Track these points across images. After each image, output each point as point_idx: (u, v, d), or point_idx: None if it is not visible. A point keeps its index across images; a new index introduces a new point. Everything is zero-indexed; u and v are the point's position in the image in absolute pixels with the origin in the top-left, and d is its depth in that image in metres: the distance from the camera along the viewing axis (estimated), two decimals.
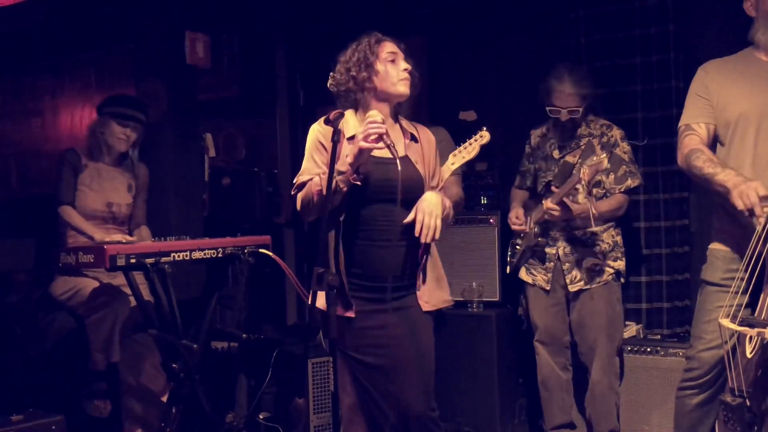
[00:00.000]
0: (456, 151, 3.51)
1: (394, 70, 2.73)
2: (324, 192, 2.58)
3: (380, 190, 2.68)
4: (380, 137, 2.56)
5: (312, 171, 2.74)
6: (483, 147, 3.37)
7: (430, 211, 2.61)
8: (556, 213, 3.57)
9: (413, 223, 2.66)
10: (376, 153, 2.65)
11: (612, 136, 3.74)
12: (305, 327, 4.41)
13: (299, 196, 2.72)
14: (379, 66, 2.73)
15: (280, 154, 5.64)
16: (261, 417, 4.16)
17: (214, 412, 3.50)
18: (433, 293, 2.82)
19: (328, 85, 2.83)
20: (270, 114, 5.67)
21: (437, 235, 2.63)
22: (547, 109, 3.74)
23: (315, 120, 5.28)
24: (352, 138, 2.70)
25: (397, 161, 2.64)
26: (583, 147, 3.74)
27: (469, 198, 4.44)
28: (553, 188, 3.64)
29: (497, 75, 4.71)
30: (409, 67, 2.73)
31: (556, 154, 3.83)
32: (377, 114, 2.59)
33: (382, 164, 2.69)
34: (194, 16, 4.89)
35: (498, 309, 4.18)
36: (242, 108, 5.79)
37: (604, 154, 3.47)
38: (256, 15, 5.29)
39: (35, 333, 4.21)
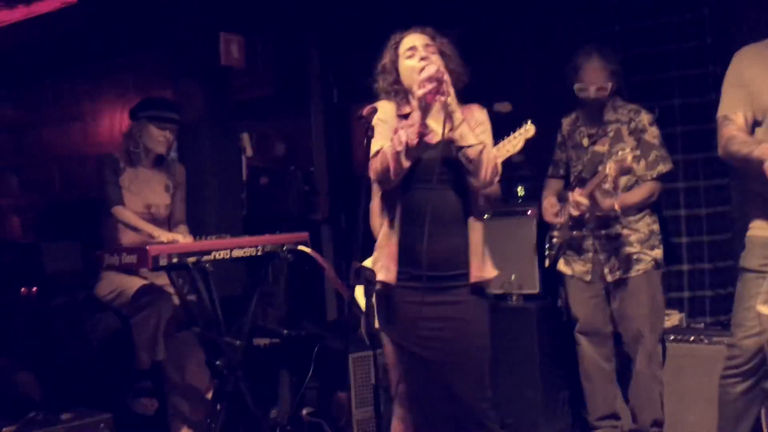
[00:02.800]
0: (500, 144, 3.50)
1: (410, 65, 2.72)
2: (396, 149, 2.58)
3: (423, 176, 2.68)
4: (436, 78, 2.52)
5: (381, 145, 2.73)
6: (527, 141, 3.36)
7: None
8: (583, 207, 3.54)
9: (459, 207, 2.69)
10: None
11: (640, 121, 3.69)
12: (345, 322, 4.44)
13: (374, 164, 2.70)
14: (401, 65, 2.77)
15: (315, 152, 5.68)
16: (304, 412, 4.20)
17: (258, 408, 3.54)
18: (481, 266, 2.77)
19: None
20: (304, 112, 5.71)
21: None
22: (575, 86, 3.71)
23: (349, 117, 5.34)
24: (406, 116, 2.72)
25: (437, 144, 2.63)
26: (611, 134, 3.71)
27: (506, 190, 4.43)
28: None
29: (532, 65, 4.68)
30: (424, 54, 2.71)
31: (585, 142, 3.80)
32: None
33: (424, 150, 2.69)
34: (228, 18, 4.95)
35: (538, 301, 4.16)
36: (277, 107, 5.83)
37: (629, 149, 3.44)
38: (288, 14, 5.33)
39: (82, 333, 4.30)
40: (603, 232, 3.73)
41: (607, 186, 3.47)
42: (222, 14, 4.91)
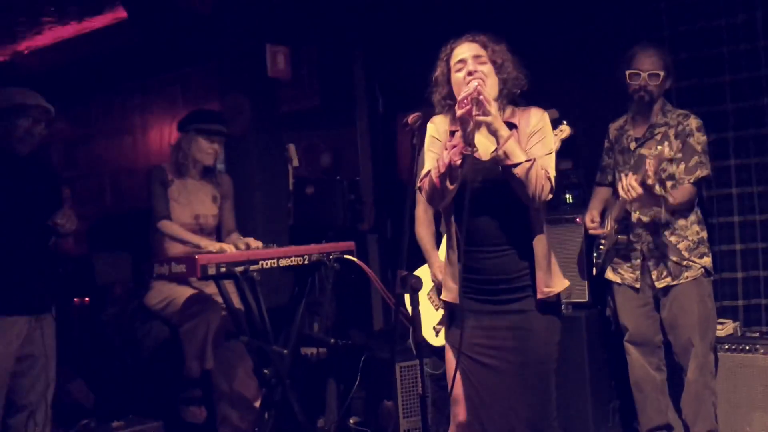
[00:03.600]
0: None
1: (459, 78, 2.66)
2: (440, 171, 2.55)
3: (477, 195, 2.61)
4: (474, 99, 2.47)
5: (432, 164, 2.71)
6: (564, 142, 3.31)
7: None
8: (633, 193, 3.41)
9: (514, 226, 2.64)
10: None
11: (688, 125, 3.63)
12: (392, 331, 4.43)
13: (424, 185, 2.68)
14: (453, 77, 2.71)
15: (361, 161, 5.69)
16: (351, 422, 4.20)
17: (306, 416, 3.54)
18: (548, 280, 2.69)
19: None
20: (350, 122, 5.73)
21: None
22: (627, 72, 3.65)
23: (395, 127, 5.32)
24: (454, 133, 2.69)
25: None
26: (658, 138, 3.65)
27: (554, 197, 4.36)
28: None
29: (579, 71, 4.63)
30: (472, 68, 2.64)
31: (632, 146, 3.74)
32: (473, 83, 2.53)
33: (475, 169, 2.64)
34: (274, 30, 5.00)
35: (587, 310, 4.10)
36: (323, 117, 5.86)
37: (667, 143, 3.37)
38: (333, 25, 5.36)
39: (133, 342, 4.36)
40: (651, 238, 3.66)
41: (650, 182, 3.39)
42: (268, 26, 4.96)
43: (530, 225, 2.67)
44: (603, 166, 3.95)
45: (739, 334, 3.91)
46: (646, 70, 3.62)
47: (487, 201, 2.62)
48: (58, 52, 6.47)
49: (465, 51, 2.68)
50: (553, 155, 2.72)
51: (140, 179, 6.39)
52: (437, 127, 2.75)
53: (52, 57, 6.53)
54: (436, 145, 2.72)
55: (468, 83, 2.54)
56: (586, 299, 4.13)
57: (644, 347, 3.77)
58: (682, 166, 3.60)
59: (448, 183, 2.57)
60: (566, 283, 2.76)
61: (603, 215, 3.86)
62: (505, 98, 2.68)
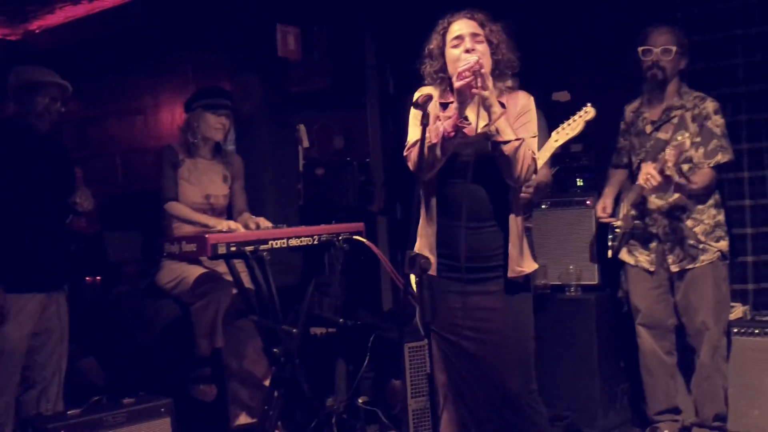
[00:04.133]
0: (559, 128, 3.46)
1: (455, 54, 2.67)
2: (432, 141, 2.57)
3: (460, 170, 2.65)
4: (473, 72, 2.50)
5: (418, 135, 2.72)
6: (587, 124, 3.30)
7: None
8: (654, 182, 3.42)
9: (496, 203, 2.67)
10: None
11: (704, 108, 3.60)
12: (400, 312, 4.45)
13: (411, 154, 2.70)
14: (447, 52, 2.72)
15: (371, 142, 5.68)
16: (360, 401, 4.22)
17: (315, 396, 3.57)
18: (520, 260, 2.74)
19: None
20: (361, 103, 5.71)
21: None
22: (640, 50, 3.64)
23: (405, 107, 5.28)
24: (446, 106, 2.71)
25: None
26: (675, 121, 3.62)
27: (565, 180, 4.37)
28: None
29: (590, 53, 4.60)
30: (470, 46, 2.65)
31: (648, 129, 3.72)
32: (472, 57, 2.55)
33: (463, 143, 2.66)
34: (284, 10, 4.98)
35: (597, 292, 4.10)
36: (333, 98, 5.85)
37: (688, 134, 3.35)
38: (344, 5, 5.34)
39: (144, 321, 4.40)
40: (667, 221, 3.65)
41: (668, 172, 3.38)
42: (279, 6, 4.94)
43: (509, 204, 2.71)
44: (618, 149, 3.92)
45: (749, 317, 3.90)
46: (659, 45, 3.60)
47: (472, 175, 2.63)
48: (69, 31, 6.47)
49: (463, 27, 2.70)
50: (536, 139, 2.76)
51: (151, 159, 6.41)
52: (432, 96, 2.73)
53: (63, 36, 6.53)
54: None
55: (466, 58, 2.56)
56: (596, 282, 4.13)
57: (656, 330, 3.77)
58: (701, 150, 3.57)
59: (438, 153, 2.59)
60: (535, 265, 2.82)
61: (617, 199, 3.84)
62: (496, 79, 2.68)
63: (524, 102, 2.76)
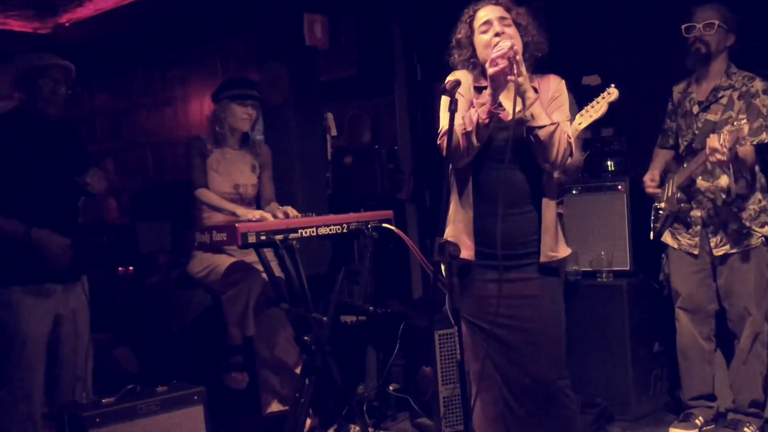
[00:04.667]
0: (583, 111, 3.42)
1: (486, 40, 2.65)
2: (467, 128, 2.55)
3: (496, 156, 2.63)
4: (507, 58, 2.47)
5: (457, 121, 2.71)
6: (611, 106, 3.25)
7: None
8: (719, 155, 3.29)
9: (532, 187, 2.65)
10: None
11: (753, 86, 3.52)
12: (430, 299, 4.44)
13: (444, 142, 2.64)
14: (476, 39, 2.70)
15: (399, 130, 5.67)
16: (391, 388, 4.23)
17: (345, 383, 3.57)
18: (554, 245, 2.72)
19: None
20: (388, 91, 5.70)
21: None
22: (683, 27, 3.58)
23: (433, 95, 5.25)
24: (481, 90, 2.69)
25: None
26: (724, 102, 3.55)
27: (596, 165, 4.32)
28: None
29: (621, 36, 4.53)
30: (499, 29, 2.63)
31: (695, 109, 3.64)
32: (505, 42, 2.52)
33: (498, 128, 2.64)
34: None
35: (629, 278, 4.05)
36: (361, 86, 5.85)
37: (745, 119, 3.28)
38: None
39: (176, 310, 4.43)
40: (712, 205, 3.59)
41: (720, 156, 3.30)
42: None
43: (544, 188, 2.70)
44: (665, 129, 3.84)
45: None
46: (701, 20, 3.54)
47: (507, 160, 2.60)
48: (98, 24, 6.53)
49: (490, 13, 2.68)
50: (569, 122, 2.73)
51: (181, 150, 6.46)
52: (461, 76, 2.71)
53: (93, 29, 6.59)
54: (459, 101, 2.67)
55: (497, 44, 2.53)
56: (628, 267, 4.08)
57: (696, 315, 3.72)
58: (746, 126, 3.50)
59: (474, 140, 2.57)
60: (569, 250, 2.80)
61: (663, 177, 3.79)
62: (526, 62, 2.64)
63: (556, 85, 2.74)
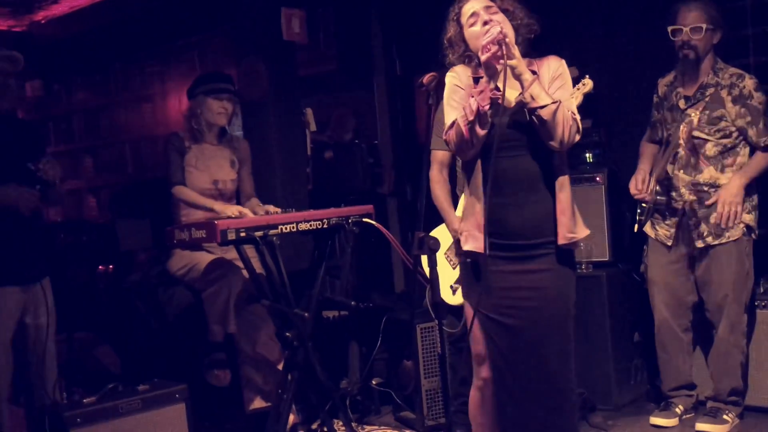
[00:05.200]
0: None
1: (476, 32, 2.65)
2: (469, 118, 2.55)
3: (501, 143, 2.58)
4: (497, 42, 2.48)
5: (455, 117, 2.70)
6: (588, 97, 3.27)
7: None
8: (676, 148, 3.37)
9: (543, 172, 2.62)
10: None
11: (744, 86, 3.50)
12: (411, 293, 4.45)
13: (450, 135, 2.67)
14: (466, 33, 2.70)
15: (379, 124, 5.66)
16: (374, 382, 4.24)
17: (328, 378, 3.58)
18: (571, 226, 2.66)
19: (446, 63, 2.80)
20: (368, 85, 5.69)
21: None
22: (669, 29, 3.55)
23: (412, 89, 5.26)
24: (478, 80, 2.68)
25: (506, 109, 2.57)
26: (708, 98, 3.55)
27: (574, 157, 4.32)
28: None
29: (601, 26, 4.53)
30: (487, 18, 2.63)
31: (682, 104, 3.63)
32: (495, 28, 2.52)
33: (500, 115, 2.61)
34: None
35: (608, 269, 4.07)
36: (341, 81, 5.83)
37: (698, 113, 3.30)
38: None
39: (157, 308, 4.42)
40: (692, 197, 3.61)
41: (681, 152, 3.34)
42: None
43: (555, 170, 2.65)
44: (653, 122, 3.84)
45: None
46: (688, 24, 3.51)
47: (513, 147, 2.60)
48: (74, 21, 6.47)
49: (475, 5, 2.68)
50: (575, 100, 2.70)
51: (161, 147, 6.41)
52: (459, 75, 2.72)
53: (68, 26, 6.54)
54: (458, 94, 2.69)
55: (488, 31, 2.54)
56: (608, 258, 4.11)
57: (673, 306, 3.75)
58: (754, 129, 3.51)
59: (478, 129, 2.56)
60: (587, 231, 2.73)
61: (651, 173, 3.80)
62: (520, 45, 2.64)
63: (556, 65, 2.72)
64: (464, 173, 2.77)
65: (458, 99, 2.69)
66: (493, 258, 2.64)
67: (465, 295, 2.78)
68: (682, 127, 3.29)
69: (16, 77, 3.41)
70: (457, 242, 2.46)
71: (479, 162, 2.68)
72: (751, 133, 3.52)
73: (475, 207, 2.68)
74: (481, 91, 2.55)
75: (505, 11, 2.68)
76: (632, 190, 3.75)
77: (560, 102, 2.56)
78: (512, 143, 2.59)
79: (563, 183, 2.66)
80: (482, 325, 2.72)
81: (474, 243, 2.64)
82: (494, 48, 2.49)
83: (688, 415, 3.78)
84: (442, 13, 2.83)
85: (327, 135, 5.65)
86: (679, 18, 3.54)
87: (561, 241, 2.63)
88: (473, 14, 2.67)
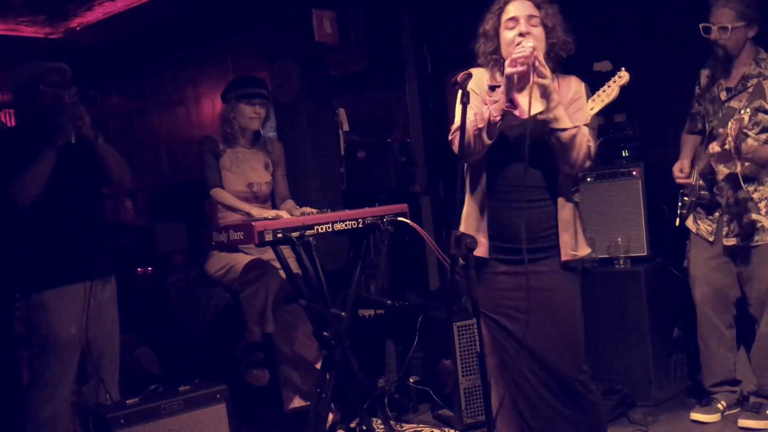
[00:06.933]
0: (595, 96, 3.41)
1: (509, 38, 2.64)
2: (478, 125, 2.56)
3: (513, 152, 2.63)
4: (526, 62, 2.47)
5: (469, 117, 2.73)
6: (623, 90, 3.24)
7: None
8: (719, 147, 3.33)
9: (548, 183, 2.65)
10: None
11: None
12: (448, 291, 4.45)
13: (455, 138, 2.67)
14: (501, 34, 2.68)
15: (411, 123, 5.67)
16: (411, 381, 4.25)
17: (366, 377, 3.59)
18: (573, 244, 2.72)
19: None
20: (399, 84, 5.70)
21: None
22: (701, 26, 3.51)
23: (443, 87, 5.26)
24: (494, 88, 2.68)
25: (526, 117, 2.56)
26: (750, 89, 3.50)
27: (610, 151, 4.31)
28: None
29: (634, 19, 4.50)
30: (524, 29, 2.61)
31: (723, 96, 3.59)
32: (528, 43, 2.52)
33: (512, 125, 2.64)
34: None
35: (647, 264, 4.04)
36: (372, 80, 5.84)
37: (749, 110, 3.26)
38: None
39: (195, 309, 4.47)
40: (731, 193, 3.56)
41: (727, 146, 3.30)
42: None
43: (560, 187, 2.69)
44: (692, 114, 3.80)
45: None
46: (717, 23, 3.47)
47: (522, 157, 2.58)
48: (109, 27, 6.56)
49: (519, 9, 2.65)
50: (587, 128, 2.71)
51: (195, 150, 6.47)
52: (476, 80, 2.71)
53: (103, 32, 6.62)
54: (473, 98, 2.68)
55: (520, 44, 2.53)
56: (645, 253, 4.07)
57: (715, 300, 3.71)
58: (746, 116, 3.47)
59: (485, 137, 2.57)
60: (588, 249, 2.80)
61: (693, 163, 3.76)
62: (550, 61, 2.63)
63: (576, 87, 2.73)
64: (469, 176, 2.78)
65: (472, 102, 2.68)
66: (496, 261, 2.69)
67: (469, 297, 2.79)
68: (731, 123, 3.23)
69: (68, 89, 3.44)
70: (456, 239, 2.46)
71: (483, 168, 2.69)
72: None
73: (476, 211, 2.71)
74: (496, 101, 2.55)
75: (545, 26, 2.66)
76: (676, 173, 3.73)
77: (579, 128, 2.58)
78: (523, 155, 2.57)
79: (565, 203, 2.69)
80: (489, 328, 2.75)
81: (478, 248, 2.64)
82: (522, 68, 2.48)
83: (731, 411, 3.74)
84: (472, 11, 2.82)
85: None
86: (711, 15, 3.50)
87: (564, 257, 2.69)
88: (514, 18, 2.65)
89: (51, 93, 3.37)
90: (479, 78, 2.73)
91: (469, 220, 2.76)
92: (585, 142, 2.60)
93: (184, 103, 6.92)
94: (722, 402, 3.72)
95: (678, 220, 3.79)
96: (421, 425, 4.07)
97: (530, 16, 2.64)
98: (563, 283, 2.71)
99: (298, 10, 4.89)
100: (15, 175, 3.24)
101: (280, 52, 5.00)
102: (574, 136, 2.56)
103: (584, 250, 2.76)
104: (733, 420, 3.65)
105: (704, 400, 3.77)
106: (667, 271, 4.07)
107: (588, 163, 2.65)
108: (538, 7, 2.66)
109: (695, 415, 3.71)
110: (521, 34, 2.60)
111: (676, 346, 4.11)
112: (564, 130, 2.56)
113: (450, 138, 2.70)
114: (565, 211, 2.70)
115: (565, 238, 2.68)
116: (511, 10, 2.66)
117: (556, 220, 2.69)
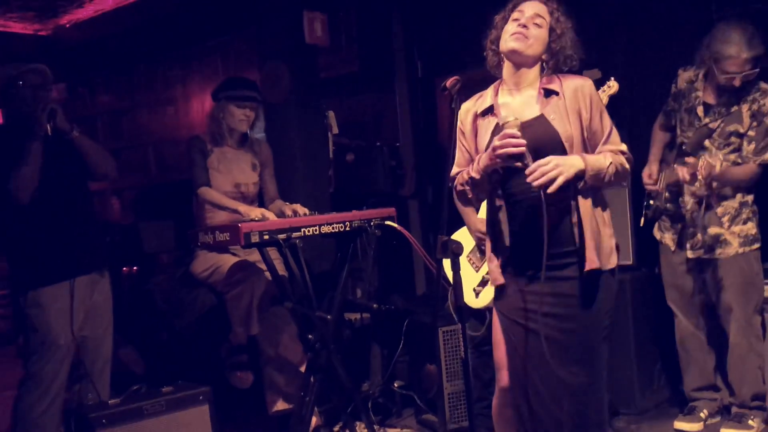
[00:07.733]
0: None
1: (509, 28, 2.59)
2: (469, 189, 2.61)
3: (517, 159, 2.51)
4: (514, 156, 2.44)
5: (460, 161, 2.72)
6: (612, 99, 3.25)
7: (555, 163, 2.41)
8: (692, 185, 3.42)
9: (568, 190, 2.50)
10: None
11: (764, 104, 3.44)
12: (434, 296, 4.45)
13: (457, 186, 2.69)
14: (505, 26, 2.63)
15: (401, 126, 5.66)
16: (396, 385, 4.24)
17: (350, 381, 3.59)
18: (598, 253, 2.55)
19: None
20: (389, 87, 5.69)
21: (548, 184, 2.40)
22: (722, 78, 3.42)
23: (434, 91, 5.25)
24: (485, 113, 2.65)
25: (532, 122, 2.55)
26: (733, 112, 3.49)
27: None
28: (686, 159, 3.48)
29: (622, 27, 4.51)
30: (525, 23, 2.55)
31: (700, 111, 3.58)
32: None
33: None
34: None
35: (632, 272, 4.05)
36: (362, 83, 5.83)
37: (721, 159, 3.31)
38: None
39: (180, 310, 4.45)
40: (696, 207, 3.59)
41: (697, 185, 3.36)
42: None
43: (582, 191, 2.54)
44: (667, 111, 3.79)
45: None
46: (741, 71, 3.37)
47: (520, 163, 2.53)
48: (98, 24, 6.54)
49: (528, 7, 2.61)
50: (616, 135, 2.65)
51: (183, 149, 6.45)
52: (461, 114, 2.67)
53: (93, 30, 6.60)
54: (462, 140, 2.70)
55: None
56: (631, 262, 4.08)
57: (684, 305, 3.76)
58: (753, 145, 3.47)
59: (486, 185, 2.59)
60: (614, 263, 2.61)
61: (661, 167, 3.78)
62: (549, 69, 2.61)
63: (588, 90, 2.61)
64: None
65: (462, 141, 2.70)
66: (520, 266, 2.63)
67: (455, 302, 2.75)
68: (702, 162, 3.26)
69: (48, 89, 3.45)
70: (443, 244, 2.45)
71: (499, 179, 2.61)
72: (749, 148, 3.48)
73: (496, 221, 2.65)
74: (491, 157, 2.50)
75: (551, 30, 2.60)
76: (645, 179, 3.76)
77: (612, 162, 2.51)
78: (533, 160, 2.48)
79: (584, 204, 2.55)
80: (504, 329, 2.70)
81: (493, 279, 2.68)
82: (503, 152, 2.44)
83: (712, 420, 3.76)
84: (463, 16, 2.82)
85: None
86: (729, 65, 3.38)
87: (586, 268, 2.53)
88: (520, 10, 2.60)
89: (31, 94, 3.38)
90: (466, 111, 2.70)
91: (491, 227, 2.71)
92: (620, 161, 2.52)
93: (173, 102, 6.90)
94: (704, 410, 3.74)
95: (642, 219, 3.81)
96: (404, 430, 4.07)
97: (537, 15, 2.58)
98: (588, 292, 2.55)
99: (289, 11, 4.89)
100: (8, 174, 3.24)
101: (271, 53, 4.99)
102: (608, 168, 2.49)
103: (609, 262, 2.58)
104: (715, 429, 3.67)
105: (686, 408, 3.79)
106: (652, 279, 4.09)
107: (624, 182, 2.57)
108: (550, 12, 2.62)
109: (678, 424, 3.73)
110: (523, 26, 2.56)
111: (660, 355, 4.12)
112: (603, 171, 2.49)
113: (450, 185, 2.71)
114: (589, 216, 2.54)
115: (588, 244, 2.52)
116: (522, 6, 2.62)
117: (579, 228, 2.54)
